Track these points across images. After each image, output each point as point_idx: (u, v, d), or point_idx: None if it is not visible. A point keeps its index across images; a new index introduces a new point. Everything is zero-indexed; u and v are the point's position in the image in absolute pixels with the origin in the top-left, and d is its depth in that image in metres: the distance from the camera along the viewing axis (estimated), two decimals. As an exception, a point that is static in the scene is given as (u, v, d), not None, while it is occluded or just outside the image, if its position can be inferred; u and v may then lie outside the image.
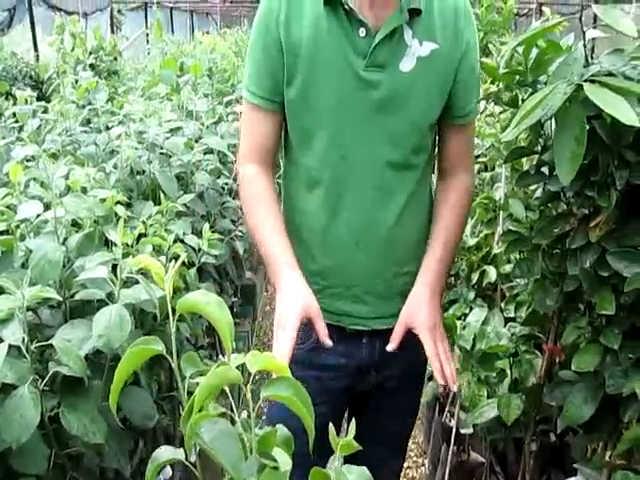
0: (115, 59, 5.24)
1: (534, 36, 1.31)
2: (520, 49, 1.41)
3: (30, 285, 1.27)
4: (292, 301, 1.35)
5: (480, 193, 2.61)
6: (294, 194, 1.53)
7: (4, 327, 1.20)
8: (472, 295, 2.54)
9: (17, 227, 1.50)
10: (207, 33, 8.45)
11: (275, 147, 1.53)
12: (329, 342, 1.35)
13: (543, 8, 6.45)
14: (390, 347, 1.43)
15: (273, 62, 1.42)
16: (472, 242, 2.55)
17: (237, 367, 0.76)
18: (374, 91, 1.39)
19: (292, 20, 1.39)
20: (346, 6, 1.36)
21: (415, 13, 1.38)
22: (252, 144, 1.51)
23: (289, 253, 1.42)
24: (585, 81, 1.21)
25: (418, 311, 1.45)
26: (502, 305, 2.34)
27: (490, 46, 4.09)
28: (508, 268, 2.28)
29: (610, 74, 1.28)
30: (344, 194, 1.45)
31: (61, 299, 1.29)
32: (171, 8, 12.66)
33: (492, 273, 2.38)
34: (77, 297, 1.36)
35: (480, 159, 2.80)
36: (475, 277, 2.48)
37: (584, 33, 1.30)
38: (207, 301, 0.73)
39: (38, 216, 1.51)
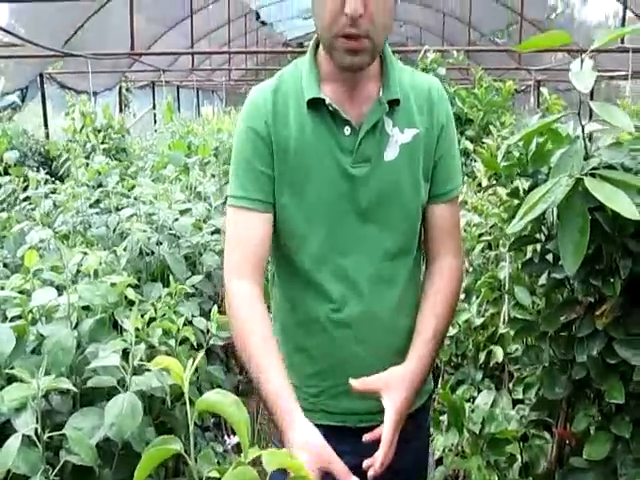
0: (123, 136, 5.36)
1: (534, 131, 1.36)
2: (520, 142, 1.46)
3: (41, 368, 1.28)
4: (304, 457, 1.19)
5: (485, 272, 2.64)
6: (289, 297, 1.50)
7: (17, 416, 1.20)
8: (480, 375, 2.53)
9: (29, 312, 1.52)
10: (213, 111, 8.66)
11: (266, 255, 1.45)
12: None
13: (541, 89, 6.64)
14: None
15: (265, 163, 1.41)
16: (478, 322, 2.55)
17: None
18: (363, 185, 1.41)
19: (279, 123, 1.41)
20: (330, 107, 1.39)
21: (394, 104, 1.41)
22: (241, 255, 1.41)
23: (289, 396, 1.28)
24: (585, 175, 1.25)
25: (396, 387, 1.35)
26: (510, 386, 2.33)
27: (491, 127, 4.21)
28: (515, 348, 2.29)
29: (610, 166, 1.32)
30: (342, 290, 1.44)
31: (75, 390, 1.30)
32: (178, 86, 13.01)
33: (499, 353, 2.38)
34: (89, 384, 1.37)
35: (484, 237, 2.83)
36: (482, 357, 2.48)
37: (583, 127, 1.35)
38: (225, 401, 0.74)
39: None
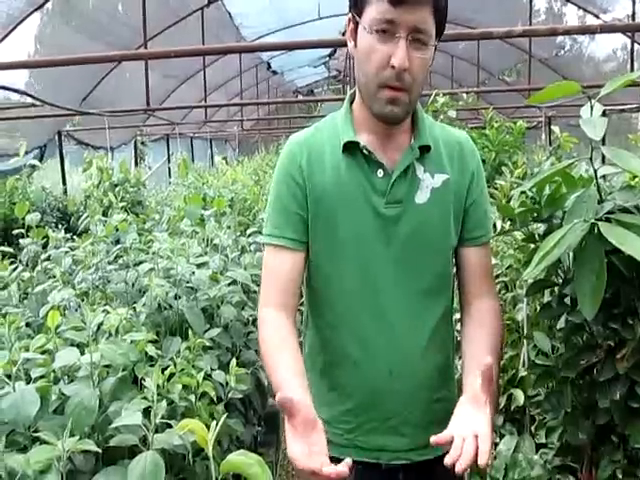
0: (139, 189, 5.43)
1: (547, 178, 1.38)
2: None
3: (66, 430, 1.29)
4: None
5: (502, 314, 2.62)
6: (322, 334, 1.55)
7: (42, 478, 1.20)
8: (501, 420, 2.49)
9: (52, 371, 1.54)
10: (225, 159, 8.77)
11: (299, 289, 1.54)
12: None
13: (552, 127, 6.68)
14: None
15: (299, 205, 1.49)
16: (498, 365, 2.53)
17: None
18: (395, 225, 1.47)
19: (314, 167, 1.49)
20: (365, 150, 1.46)
21: (425, 150, 1.49)
22: (276, 287, 1.49)
23: (303, 392, 1.31)
24: (600, 219, 1.26)
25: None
26: (532, 429, 2.29)
27: (503, 168, 4.22)
28: (536, 391, 2.26)
29: (624, 209, 1.33)
30: (374, 326, 1.48)
31: (99, 450, 1.30)
32: (191, 137, 13.21)
33: (520, 397, 2.35)
34: (112, 443, 1.37)
35: (500, 279, 2.82)
36: (503, 401, 2.45)
37: (595, 172, 1.36)
38: (249, 463, 0.75)
39: (72, 359, 1.54)
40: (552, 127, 7.05)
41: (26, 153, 5.68)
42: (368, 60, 1.38)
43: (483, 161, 5.47)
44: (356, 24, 1.41)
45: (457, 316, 1.82)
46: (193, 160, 11.64)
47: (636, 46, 6.75)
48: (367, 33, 1.36)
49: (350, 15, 1.43)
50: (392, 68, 1.35)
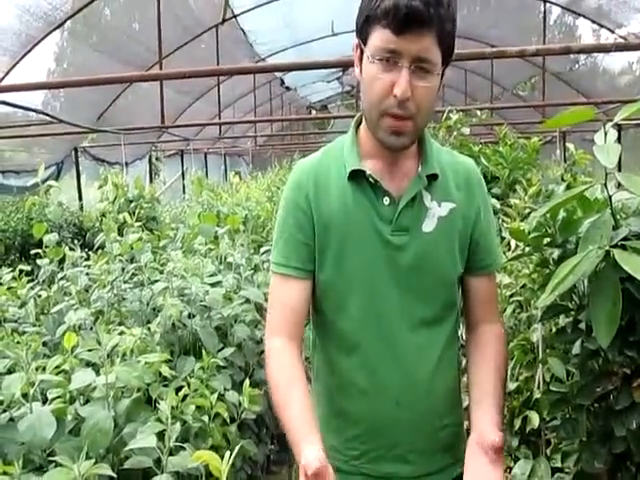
0: (153, 205, 5.47)
1: (561, 203, 1.37)
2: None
3: (81, 451, 1.29)
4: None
5: (517, 334, 2.60)
6: (329, 360, 1.54)
7: (57, 501, 1.21)
8: (516, 442, 2.47)
9: (69, 392, 1.55)
10: (238, 174, 8.81)
11: (305, 318, 1.53)
12: None
13: (567, 144, 6.66)
14: None
15: (305, 235, 1.48)
16: (512, 386, 2.51)
17: None
18: (401, 253, 1.46)
19: (321, 195, 1.48)
20: (371, 179, 1.45)
21: (432, 178, 1.47)
22: (282, 316, 1.49)
23: (314, 434, 1.30)
24: (615, 245, 1.26)
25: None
26: (547, 452, 2.27)
27: (517, 186, 4.20)
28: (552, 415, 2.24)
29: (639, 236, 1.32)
30: (381, 354, 1.48)
31: (114, 475, 1.31)
32: (205, 153, 13.28)
33: (535, 419, 2.33)
34: (127, 465, 1.38)
35: (515, 298, 2.81)
36: (518, 423, 2.43)
37: (610, 197, 1.36)
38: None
39: (88, 379, 1.55)
40: (567, 143, 7.02)
41: (45, 169, 5.74)
42: (371, 88, 1.37)
43: (497, 178, 5.41)
44: (362, 51, 1.40)
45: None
46: (207, 175, 11.69)
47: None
48: (370, 62, 1.36)
49: (357, 41, 1.42)
50: (394, 97, 1.34)
